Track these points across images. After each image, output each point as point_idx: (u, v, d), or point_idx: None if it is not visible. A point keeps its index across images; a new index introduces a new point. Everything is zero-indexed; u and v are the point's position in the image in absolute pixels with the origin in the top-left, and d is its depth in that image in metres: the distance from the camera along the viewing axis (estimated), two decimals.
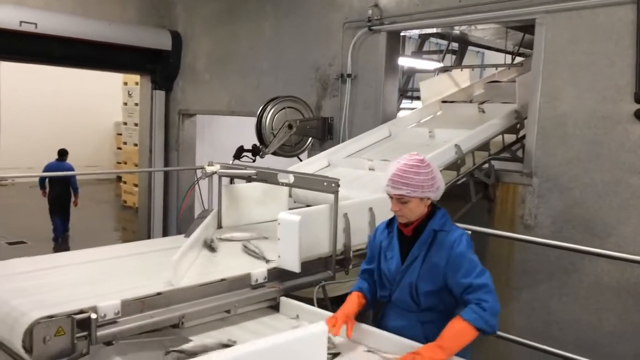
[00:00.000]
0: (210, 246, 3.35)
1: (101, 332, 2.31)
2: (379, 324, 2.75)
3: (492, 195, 4.62)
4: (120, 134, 14.47)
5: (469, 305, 2.35)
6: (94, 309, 2.31)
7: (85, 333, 2.26)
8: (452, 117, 5.54)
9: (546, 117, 4.38)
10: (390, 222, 2.73)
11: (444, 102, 5.82)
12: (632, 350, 3.25)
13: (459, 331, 2.29)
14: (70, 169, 9.14)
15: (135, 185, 12.21)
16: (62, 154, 9.20)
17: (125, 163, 13.71)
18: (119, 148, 14.97)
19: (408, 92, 8.72)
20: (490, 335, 2.39)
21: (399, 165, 2.48)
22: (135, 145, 12.61)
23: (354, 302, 2.66)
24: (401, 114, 6.22)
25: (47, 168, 9.03)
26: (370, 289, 2.75)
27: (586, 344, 3.62)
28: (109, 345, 2.33)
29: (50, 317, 2.19)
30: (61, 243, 9.14)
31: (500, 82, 6.17)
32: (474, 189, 4.52)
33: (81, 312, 2.27)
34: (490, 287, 2.38)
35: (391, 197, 2.52)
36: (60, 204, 9.05)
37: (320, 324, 1.98)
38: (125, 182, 13.47)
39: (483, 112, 5.36)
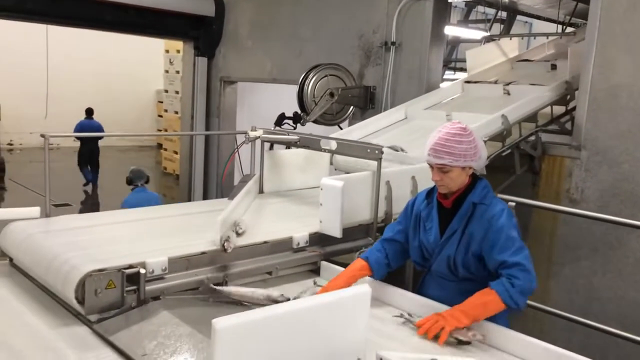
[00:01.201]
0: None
1: (149, 287, 2.40)
2: (418, 292, 2.75)
3: (538, 168, 4.51)
4: (162, 102, 14.68)
5: (501, 278, 2.34)
6: (143, 265, 2.39)
7: (134, 287, 2.35)
8: (473, 99, 5.22)
9: (599, 88, 4.22)
10: (429, 193, 2.68)
11: (467, 82, 5.53)
12: None
13: (485, 301, 2.29)
14: (99, 126, 10.47)
15: (176, 153, 12.41)
16: (90, 112, 10.52)
17: (166, 130, 13.93)
18: (160, 116, 15.21)
19: (451, 62, 8.53)
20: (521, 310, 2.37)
21: (440, 134, 2.43)
22: (176, 112, 12.79)
23: (354, 271, 2.62)
24: (444, 84, 6.07)
25: (80, 125, 10.46)
26: (383, 262, 2.66)
27: (629, 322, 3.54)
28: (157, 300, 2.40)
29: (102, 270, 2.27)
30: (92, 189, 10.75)
31: (531, 60, 5.94)
32: (519, 161, 4.42)
33: (130, 267, 2.35)
34: (525, 266, 2.33)
35: (432, 166, 2.47)
36: (90, 157, 10.77)
37: (365, 286, 1.99)
38: (165, 149, 13.70)
39: (508, 94, 5.03)
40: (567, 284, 4.31)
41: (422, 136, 2.53)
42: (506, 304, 2.28)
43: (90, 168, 10.92)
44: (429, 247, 2.61)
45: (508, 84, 5.11)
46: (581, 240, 4.22)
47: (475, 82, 5.46)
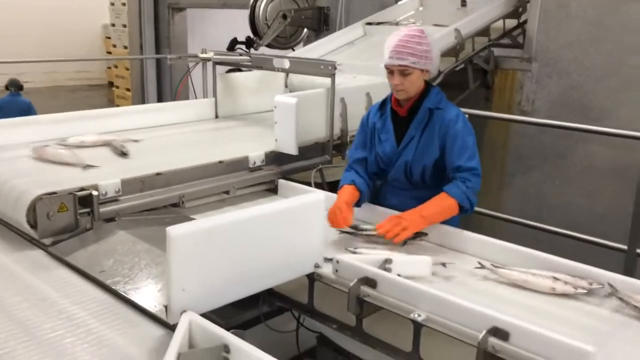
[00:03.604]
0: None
1: (103, 209, 2.37)
2: (376, 202, 2.81)
3: (491, 82, 4.56)
4: (109, 37, 14.01)
5: (454, 181, 2.41)
6: (95, 187, 2.36)
7: (87, 210, 2.32)
8: (432, 13, 5.10)
9: None
10: (382, 104, 2.68)
11: None
12: (621, 231, 3.34)
13: (441, 204, 2.38)
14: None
15: (128, 90, 12.00)
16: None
17: (116, 67, 13.39)
18: (109, 52, 14.57)
19: None
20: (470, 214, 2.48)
21: (400, 36, 2.42)
22: (125, 47, 12.25)
23: (349, 192, 2.53)
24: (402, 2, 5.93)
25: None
26: (364, 181, 2.62)
27: (575, 226, 3.72)
28: (112, 221, 2.39)
29: (52, 193, 2.23)
30: None
31: None
32: (473, 76, 4.46)
33: (82, 189, 2.32)
34: (478, 170, 2.43)
35: (391, 70, 2.45)
36: None
37: (318, 192, 2.02)
38: (117, 87, 13.22)
39: (465, 5, 4.95)
40: (518, 193, 4.47)
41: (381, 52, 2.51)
42: (462, 205, 2.37)
43: None
44: (385, 158, 2.64)
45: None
46: (532, 151, 4.35)
47: None
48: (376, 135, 2.66)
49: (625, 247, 3.14)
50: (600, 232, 3.52)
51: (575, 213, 4.16)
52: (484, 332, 1.58)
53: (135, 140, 3.18)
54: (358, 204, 2.58)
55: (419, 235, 2.34)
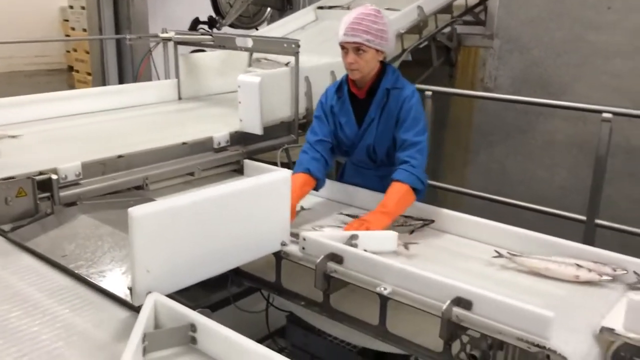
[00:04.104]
0: None
1: (64, 193, 2.31)
2: (339, 180, 2.82)
3: (454, 59, 4.60)
4: (67, 20, 13.58)
5: (400, 167, 2.37)
6: (55, 171, 2.30)
7: (47, 194, 2.26)
8: None
9: None
10: (339, 87, 2.62)
11: None
12: (580, 202, 3.44)
13: (398, 194, 2.32)
14: None
15: (89, 74, 11.68)
16: None
17: (76, 50, 13.01)
18: (67, 35, 14.13)
19: None
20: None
21: (355, 14, 2.40)
22: (84, 30, 11.90)
23: (298, 187, 2.37)
24: None
25: None
26: (320, 166, 2.52)
27: (536, 199, 3.81)
28: (73, 206, 2.33)
29: (9, 178, 2.16)
30: None
31: None
32: (436, 53, 4.49)
33: (41, 173, 2.26)
34: (423, 145, 2.41)
35: (345, 48, 2.42)
36: None
37: (285, 170, 2.01)
38: (77, 71, 12.86)
39: None
40: (482, 169, 4.56)
41: (334, 37, 2.49)
42: (416, 187, 2.34)
43: None
44: (346, 141, 2.62)
45: None
46: (494, 127, 4.43)
47: None
48: (336, 119, 2.62)
49: (584, 217, 3.23)
50: (561, 204, 3.61)
51: (537, 186, 4.26)
52: (447, 302, 1.61)
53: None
54: (316, 189, 2.54)
55: (426, 222, 2.32)
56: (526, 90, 4.23)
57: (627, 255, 1.92)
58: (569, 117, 3.99)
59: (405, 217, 2.37)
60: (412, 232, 2.29)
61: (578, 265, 1.92)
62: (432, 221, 2.34)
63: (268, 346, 1.32)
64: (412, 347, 1.79)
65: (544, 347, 1.48)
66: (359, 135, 2.57)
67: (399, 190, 2.33)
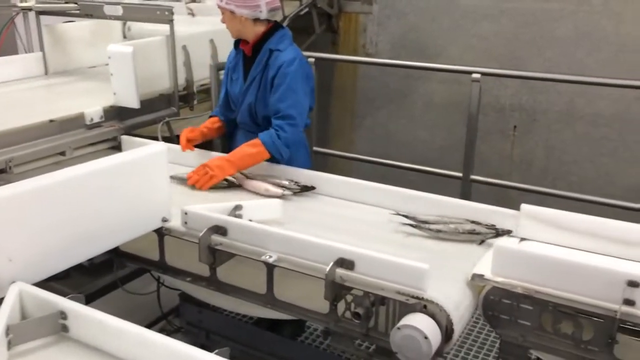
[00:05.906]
0: None
1: None
2: (228, 145, 2.80)
3: (336, 26, 4.63)
4: None
5: (269, 130, 2.44)
6: None
7: None
8: None
9: None
10: (236, 43, 2.67)
11: None
12: (458, 160, 3.62)
13: (252, 152, 2.40)
14: None
15: None
16: None
17: None
18: None
19: None
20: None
21: None
22: None
23: (209, 120, 2.73)
24: None
25: None
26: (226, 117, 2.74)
27: (420, 159, 3.97)
28: None
29: None
30: None
31: None
32: (318, 20, 4.49)
33: None
34: (296, 120, 2.45)
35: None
36: None
37: (160, 143, 1.92)
38: None
39: None
40: (368, 133, 4.68)
41: None
42: (272, 154, 2.41)
43: None
44: (235, 98, 2.64)
45: None
46: (378, 92, 4.55)
47: None
48: (230, 75, 2.67)
49: (460, 174, 3.42)
50: (442, 163, 3.79)
51: (419, 148, 4.45)
52: (330, 264, 1.63)
53: None
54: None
55: (307, 188, 2.34)
56: (405, 55, 4.37)
57: (500, 207, 2.05)
58: (445, 79, 4.18)
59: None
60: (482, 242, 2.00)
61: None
62: (313, 187, 2.36)
63: (162, 327, 1.28)
64: (300, 311, 1.81)
65: (421, 298, 1.55)
66: (242, 92, 2.59)
67: (253, 146, 2.41)
